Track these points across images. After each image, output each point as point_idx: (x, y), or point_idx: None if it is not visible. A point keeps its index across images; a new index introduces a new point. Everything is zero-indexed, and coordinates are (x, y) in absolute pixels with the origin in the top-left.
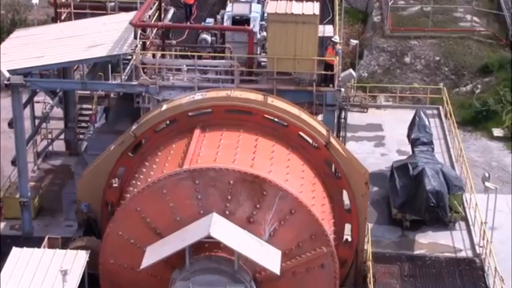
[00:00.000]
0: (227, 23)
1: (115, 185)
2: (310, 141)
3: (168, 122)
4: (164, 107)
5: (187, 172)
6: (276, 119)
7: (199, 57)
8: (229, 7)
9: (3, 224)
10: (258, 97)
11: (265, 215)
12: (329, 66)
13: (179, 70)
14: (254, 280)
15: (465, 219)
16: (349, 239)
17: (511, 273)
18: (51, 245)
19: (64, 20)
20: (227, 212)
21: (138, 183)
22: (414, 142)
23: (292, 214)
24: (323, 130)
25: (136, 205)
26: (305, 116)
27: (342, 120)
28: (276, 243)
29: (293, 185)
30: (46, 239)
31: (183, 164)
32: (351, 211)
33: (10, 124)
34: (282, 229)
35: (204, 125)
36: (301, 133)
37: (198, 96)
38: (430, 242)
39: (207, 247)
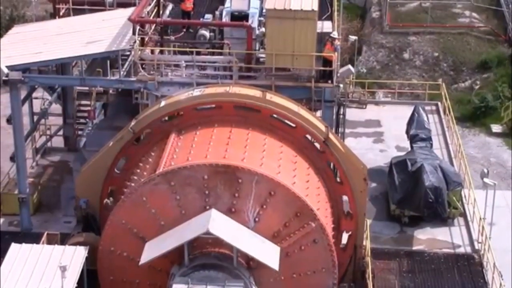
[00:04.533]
0: (225, 19)
1: None
2: (286, 121)
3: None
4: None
5: (161, 176)
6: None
7: (198, 53)
8: (227, 3)
9: (1, 220)
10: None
11: (245, 202)
12: (327, 62)
13: (177, 66)
14: (248, 268)
15: (463, 215)
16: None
17: (509, 269)
18: (50, 241)
19: (63, 16)
20: (207, 207)
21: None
22: (412, 138)
23: (272, 196)
24: (321, 126)
25: (121, 218)
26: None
27: (341, 116)
28: (263, 227)
29: (269, 167)
30: (44, 235)
31: (156, 169)
32: (342, 182)
33: (9, 120)
34: (266, 212)
35: (178, 128)
36: (275, 115)
37: (196, 92)
38: (428, 238)
39: (207, 243)
